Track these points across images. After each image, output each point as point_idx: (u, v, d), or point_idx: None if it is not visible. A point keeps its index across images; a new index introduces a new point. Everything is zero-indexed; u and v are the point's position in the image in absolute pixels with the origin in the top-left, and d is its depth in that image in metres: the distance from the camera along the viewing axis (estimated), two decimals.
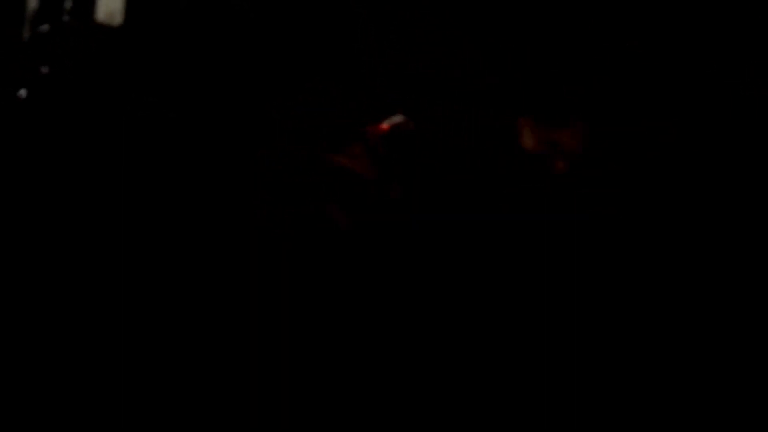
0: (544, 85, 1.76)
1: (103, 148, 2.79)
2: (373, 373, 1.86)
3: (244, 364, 2.39)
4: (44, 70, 2.70)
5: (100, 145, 2.78)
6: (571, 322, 1.80)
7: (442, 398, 1.84)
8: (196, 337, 2.54)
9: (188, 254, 2.66)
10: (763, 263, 1.92)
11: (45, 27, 2.67)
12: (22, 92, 2.70)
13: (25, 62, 2.71)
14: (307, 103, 2.52)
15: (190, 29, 2.70)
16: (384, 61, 2.34)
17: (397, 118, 1.62)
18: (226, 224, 2.68)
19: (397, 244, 1.80)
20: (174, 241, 2.70)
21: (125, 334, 2.59)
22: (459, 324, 1.82)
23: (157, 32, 2.71)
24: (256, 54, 2.70)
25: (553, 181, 1.78)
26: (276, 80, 2.63)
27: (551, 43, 1.86)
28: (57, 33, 2.69)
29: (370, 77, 2.35)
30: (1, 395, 2.53)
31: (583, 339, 1.78)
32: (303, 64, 2.59)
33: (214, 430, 2.43)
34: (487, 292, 1.80)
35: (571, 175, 1.77)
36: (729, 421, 1.86)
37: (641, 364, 1.78)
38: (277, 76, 2.65)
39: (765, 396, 1.83)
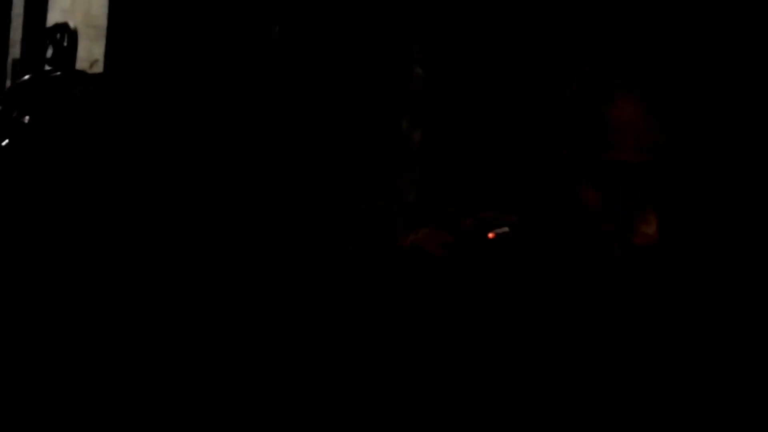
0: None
1: (86, 196, 2.68)
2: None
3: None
4: (25, 119, 2.65)
5: (82, 193, 2.68)
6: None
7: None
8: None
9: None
10: None
11: (26, 77, 2.66)
12: (4, 142, 2.64)
13: (6, 112, 2.67)
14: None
15: (174, 78, 2.73)
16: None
17: (503, 230, 1.73)
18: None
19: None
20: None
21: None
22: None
23: (140, 80, 2.71)
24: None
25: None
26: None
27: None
28: (38, 82, 2.68)
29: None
30: (2, 395, 2.24)
31: None
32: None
33: None
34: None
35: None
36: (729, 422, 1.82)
37: None
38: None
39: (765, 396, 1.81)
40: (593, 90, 1.78)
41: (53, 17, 2.77)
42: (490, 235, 1.67)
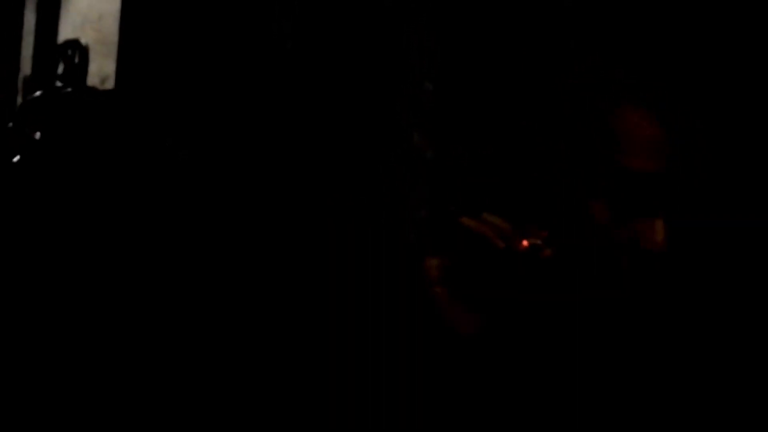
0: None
1: (98, 212, 2.68)
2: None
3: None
4: (37, 136, 2.65)
5: (94, 209, 2.68)
6: None
7: None
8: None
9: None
10: None
11: (37, 93, 2.66)
12: (15, 158, 2.64)
13: (17, 128, 2.67)
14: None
15: (185, 93, 2.74)
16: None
17: (536, 240, 1.74)
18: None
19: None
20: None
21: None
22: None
23: (151, 96, 2.72)
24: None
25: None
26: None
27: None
28: (49, 98, 2.69)
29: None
30: (7, 395, 2.25)
31: None
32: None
33: None
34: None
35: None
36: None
37: None
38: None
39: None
40: (603, 99, 1.77)
41: (64, 34, 2.78)
42: (525, 242, 1.67)
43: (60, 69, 2.67)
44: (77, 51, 2.68)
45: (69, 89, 2.74)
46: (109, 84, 2.68)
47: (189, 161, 2.70)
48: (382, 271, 2.49)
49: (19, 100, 2.65)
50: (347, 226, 2.61)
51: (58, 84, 2.68)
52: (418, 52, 2.64)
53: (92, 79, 2.68)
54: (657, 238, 1.68)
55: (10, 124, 2.69)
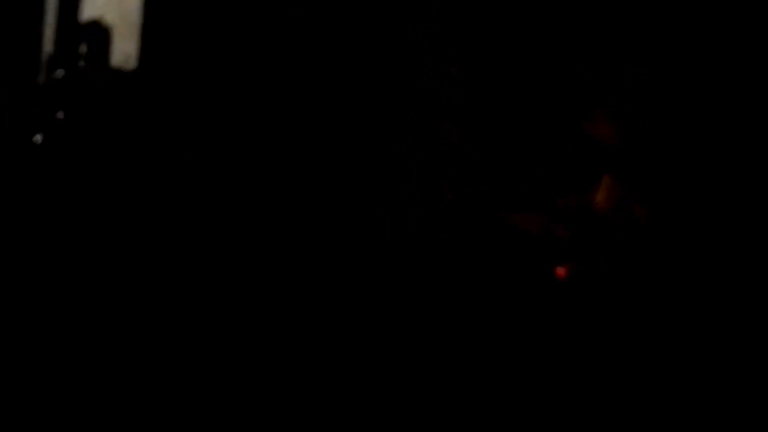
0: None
1: (119, 192, 2.68)
2: None
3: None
4: (60, 115, 2.65)
5: (115, 189, 2.67)
6: None
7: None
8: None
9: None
10: None
11: (60, 72, 2.66)
12: (38, 137, 2.63)
13: (40, 108, 2.66)
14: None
15: (206, 75, 2.72)
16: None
17: (562, 270, 1.75)
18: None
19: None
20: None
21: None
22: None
23: (173, 76, 2.71)
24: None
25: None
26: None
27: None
28: (72, 78, 2.68)
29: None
30: (11, 395, 2.24)
31: None
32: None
33: None
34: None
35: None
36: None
37: None
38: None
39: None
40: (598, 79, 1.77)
41: (87, 13, 2.76)
42: (560, 272, 1.68)
43: (83, 49, 2.66)
44: (100, 31, 2.67)
45: (91, 70, 2.74)
46: (131, 64, 2.66)
47: (196, 155, 2.69)
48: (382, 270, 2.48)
49: (42, 79, 2.64)
50: (351, 222, 2.61)
51: (81, 63, 2.67)
52: (431, 38, 2.63)
53: (114, 59, 2.66)
54: (639, 224, 1.70)
55: (34, 106, 2.69)
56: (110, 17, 2.69)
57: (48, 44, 2.64)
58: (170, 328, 2.43)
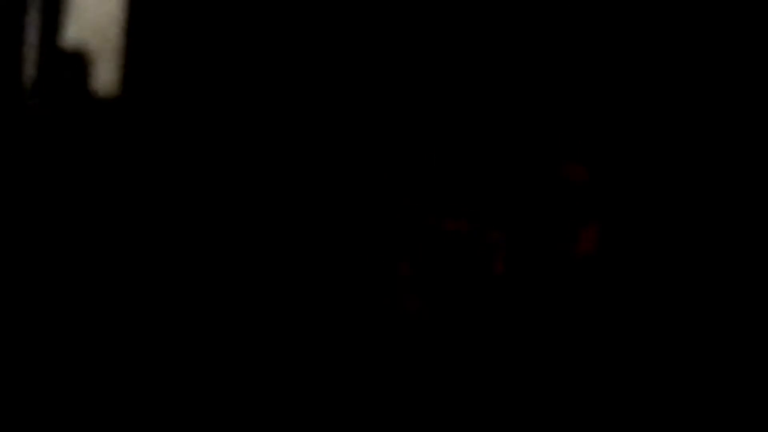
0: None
1: (100, 222, 2.64)
2: None
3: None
4: (41, 138, 2.61)
5: (95, 219, 2.64)
6: None
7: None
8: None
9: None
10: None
11: (38, 102, 2.62)
12: (20, 169, 2.59)
13: (22, 130, 2.63)
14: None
15: (192, 99, 2.69)
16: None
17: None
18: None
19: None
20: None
21: None
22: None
23: (157, 103, 2.68)
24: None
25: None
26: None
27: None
28: (53, 103, 2.65)
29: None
30: (11, 394, 2.20)
31: None
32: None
33: None
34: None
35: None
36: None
37: None
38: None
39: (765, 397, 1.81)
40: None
41: (68, 39, 2.74)
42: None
43: (64, 75, 2.63)
44: (81, 56, 2.63)
45: (73, 95, 2.70)
46: (114, 89, 2.63)
47: (182, 180, 2.66)
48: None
49: (23, 102, 2.60)
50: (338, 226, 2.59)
51: (62, 89, 2.64)
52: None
53: (96, 85, 2.63)
54: (589, 242, 1.71)
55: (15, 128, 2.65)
56: (91, 43, 2.66)
57: (30, 68, 2.61)
58: (170, 328, 2.40)
